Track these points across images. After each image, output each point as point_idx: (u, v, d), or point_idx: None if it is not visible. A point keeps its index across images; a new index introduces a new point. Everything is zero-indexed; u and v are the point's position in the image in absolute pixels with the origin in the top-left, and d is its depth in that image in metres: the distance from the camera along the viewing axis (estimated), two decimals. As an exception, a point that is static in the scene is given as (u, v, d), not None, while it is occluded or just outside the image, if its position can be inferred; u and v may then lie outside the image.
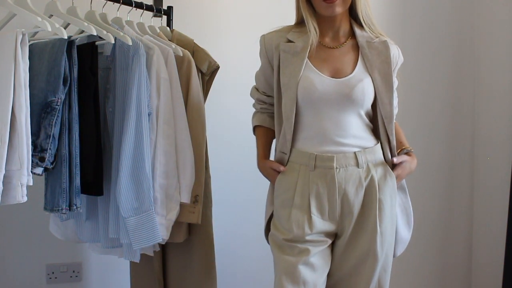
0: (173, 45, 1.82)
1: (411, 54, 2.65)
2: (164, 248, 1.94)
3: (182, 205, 1.75)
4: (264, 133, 1.69)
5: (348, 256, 1.54)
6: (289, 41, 1.57)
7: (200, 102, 1.87)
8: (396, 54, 1.62)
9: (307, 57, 1.54)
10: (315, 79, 1.51)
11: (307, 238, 1.50)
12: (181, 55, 1.82)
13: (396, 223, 1.59)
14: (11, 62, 1.42)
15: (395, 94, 1.66)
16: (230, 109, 2.41)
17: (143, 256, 1.76)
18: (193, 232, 1.89)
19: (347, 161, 1.51)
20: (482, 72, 2.73)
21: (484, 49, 2.72)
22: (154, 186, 1.67)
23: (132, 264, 2.05)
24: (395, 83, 1.64)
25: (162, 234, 1.67)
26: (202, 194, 1.81)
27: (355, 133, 1.53)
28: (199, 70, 1.92)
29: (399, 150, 1.63)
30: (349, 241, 1.53)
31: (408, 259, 2.73)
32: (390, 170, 1.57)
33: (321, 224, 1.52)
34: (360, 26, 1.58)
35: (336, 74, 1.54)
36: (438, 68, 2.74)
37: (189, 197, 1.75)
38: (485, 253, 2.74)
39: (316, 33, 1.55)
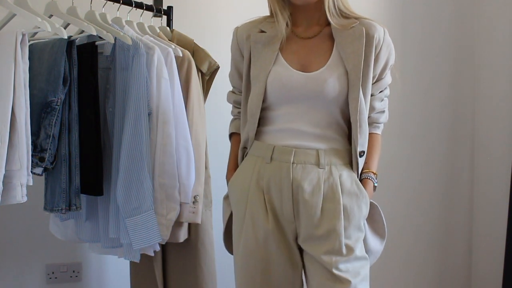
0: (173, 45, 1.82)
1: (412, 55, 2.66)
2: (164, 248, 1.94)
3: (182, 205, 1.75)
4: (239, 142, 1.56)
5: (313, 261, 1.41)
6: (262, 31, 1.47)
7: (200, 102, 1.87)
8: (380, 37, 1.41)
9: (278, 49, 1.43)
10: (283, 73, 1.40)
11: (267, 241, 1.40)
12: (181, 55, 1.82)
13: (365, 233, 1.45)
14: (11, 62, 1.42)
15: (385, 93, 1.52)
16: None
17: (143, 256, 1.76)
18: (193, 232, 1.89)
19: (307, 158, 1.38)
20: (482, 73, 2.73)
21: (484, 49, 2.72)
22: (154, 186, 1.67)
23: (132, 264, 2.05)
24: (386, 79, 1.49)
25: (162, 234, 1.66)
26: (202, 194, 1.81)
27: (325, 133, 1.41)
28: (199, 70, 1.92)
29: (361, 172, 1.46)
30: (308, 245, 1.41)
31: (408, 259, 2.74)
32: (357, 179, 1.42)
33: (276, 222, 1.41)
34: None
35: (307, 67, 1.41)
36: (439, 69, 2.74)
37: (189, 197, 1.75)
38: (485, 253, 2.74)
39: (287, 24, 1.43)
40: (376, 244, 1.51)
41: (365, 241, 1.45)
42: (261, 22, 1.49)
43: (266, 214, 1.42)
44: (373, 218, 1.49)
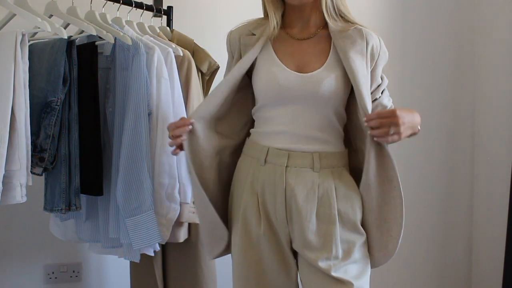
0: (173, 45, 1.82)
1: (412, 55, 2.66)
2: (164, 248, 1.94)
3: (182, 205, 1.75)
4: None
5: (309, 265, 1.38)
6: (252, 34, 1.45)
7: (200, 102, 1.87)
8: (377, 45, 1.43)
9: (273, 50, 1.41)
10: (279, 74, 1.38)
11: (259, 245, 1.39)
12: (181, 55, 1.82)
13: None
14: (11, 62, 1.43)
15: (386, 93, 1.53)
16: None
17: (143, 256, 1.76)
18: (193, 232, 1.89)
19: (302, 161, 1.36)
20: (482, 73, 2.73)
21: (484, 49, 2.72)
22: (154, 186, 1.67)
23: (132, 264, 2.05)
24: (385, 81, 1.50)
25: (162, 234, 1.67)
26: (202, 194, 1.81)
27: (320, 136, 1.38)
28: (199, 70, 1.92)
29: None
30: (303, 251, 1.38)
31: (408, 259, 2.73)
32: (354, 183, 1.39)
33: (269, 225, 1.39)
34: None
35: (303, 68, 1.38)
36: (438, 69, 2.74)
37: (189, 197, 1.75)
38: (485, 253, 2.74)
39: (277, 25, 1.41)
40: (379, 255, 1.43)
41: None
42: (252, 24, 1.48)
43: (259, 218, 1.40)
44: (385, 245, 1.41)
